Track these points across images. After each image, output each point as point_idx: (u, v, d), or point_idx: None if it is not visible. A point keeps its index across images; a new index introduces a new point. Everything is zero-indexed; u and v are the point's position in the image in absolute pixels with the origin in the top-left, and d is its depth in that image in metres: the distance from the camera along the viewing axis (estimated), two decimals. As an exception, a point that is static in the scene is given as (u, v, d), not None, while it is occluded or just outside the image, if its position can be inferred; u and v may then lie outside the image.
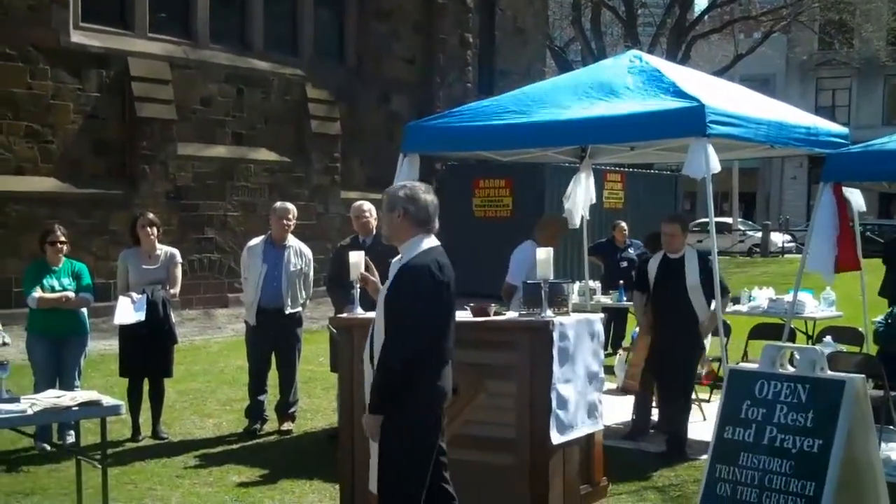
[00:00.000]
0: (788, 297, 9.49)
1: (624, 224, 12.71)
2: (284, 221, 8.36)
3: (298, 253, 8.42)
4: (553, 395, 5.44)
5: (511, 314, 5.94)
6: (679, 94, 7.46)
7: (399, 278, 4.51)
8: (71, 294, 7.64)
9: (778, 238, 33.77)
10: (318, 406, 9.33)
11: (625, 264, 11.89)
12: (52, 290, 7.61)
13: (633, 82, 7.91)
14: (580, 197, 9.51)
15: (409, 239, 4.61)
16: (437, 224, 4.70)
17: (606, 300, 11.26)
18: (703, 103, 7.15)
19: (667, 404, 7.97)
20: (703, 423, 8.37)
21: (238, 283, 9.31)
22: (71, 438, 7.38)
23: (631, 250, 12.29)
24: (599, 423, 5.98)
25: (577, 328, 5.73)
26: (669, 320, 7.70)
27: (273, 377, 8.53)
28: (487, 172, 19.84)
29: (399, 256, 4.63)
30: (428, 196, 4.70)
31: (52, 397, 5.64)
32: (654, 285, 7.90)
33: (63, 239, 7.78)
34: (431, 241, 4.64)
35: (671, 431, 7.70)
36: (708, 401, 9.06)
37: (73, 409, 5.46)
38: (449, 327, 4.57)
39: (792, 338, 8.63)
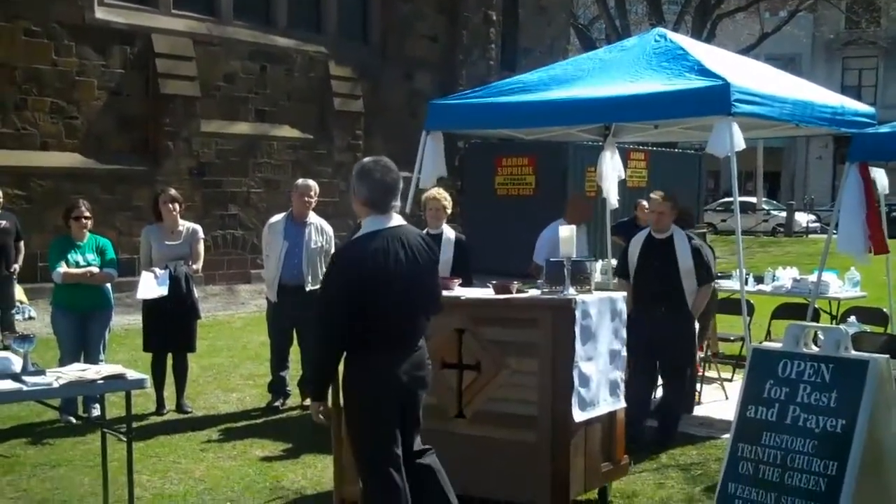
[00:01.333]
0: (812, 278, 9.46)
1: (645, 202, 12.59)
2: (306, 198, 8.36)
3: (319, 230, 8.43)
4: (575, 373, 5.44)
5: (533, 292, 5.94)
6: (704, 72, 7.41)
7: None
8: (95, 269, 7.70)
9: (802, 218, 33.56)
10: (339, 382, 9.35)
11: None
12: (77, 265, 7.67)
13: (658, 60, 7.87)
14: (609, 175, 9.48)
15: (365, 219, 4.55)
16: (394, 204, 4.55)
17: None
18: (728, 82, 7.11)
19: (667, 389, 7.76)
20: (725, 401, 8.37)
21: (260, 260, 9.33)
22: (96, 411, 7.45)
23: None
24: (621, 401, 5.98)
25: (600, 306, 5.73)
26: (658, 304, 7.28)
27: (295, 353, 8.58)
28: (510, 150, 19.78)
29: None
30: (384, 175, 4.55)
31: (78, 370, 5.68)
32: (637, 267, 7.48)
33: (87, 214, 7.84)
34: (384, 222, 4.51)
35: (664, 413, 7.50)
36: (730, 380, 9.05)
37: (99, 382, 5.50)
38: (379, 309, 4.42)
39: (816, 318, 8.60)
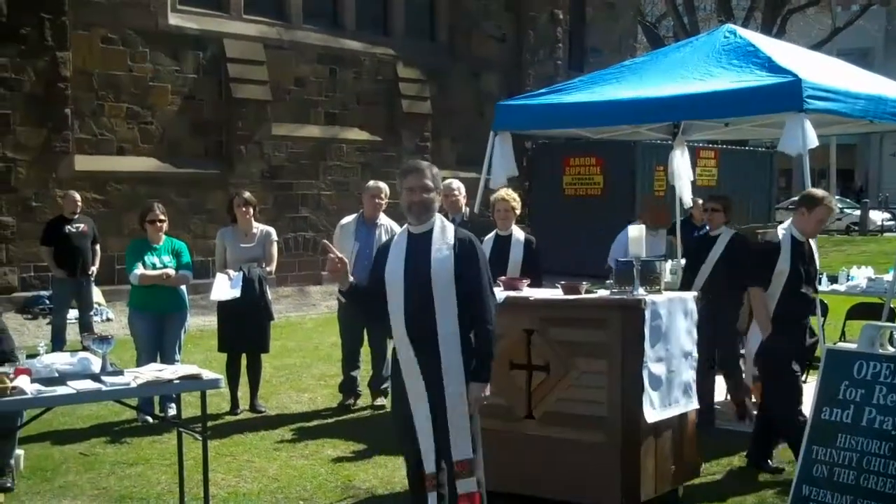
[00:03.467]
0: (888, 277, 9.27)
1: (700, 200, 12.32)
2: (377, 200, 8.43)
3: (389, 231, 8.47)
4: (645, 374, 5.42)
5: (602, 292, 5.93)
6: (775, 68, 7.31)
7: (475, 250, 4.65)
8: (171, 271, 7.86)
9: (877, 216, 32.83)
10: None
11: (662, 247, 11.52)
12: (154, 267, 7.84)
13: (728, 57, 7.78)
14: (683, 173, 9.41)
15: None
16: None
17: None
18: (800, 78, 7.00)
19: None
20: (798, 403, 8.22)
21: (331, 261, 9.42)
22: (172, 411, 7.60)
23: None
24: (693, 402, 5.94)
25: (670, 306, 5.69)
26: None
27: (366, 353, 8.66)
28: (577, 150, 19.72)
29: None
30: None
31: (155, 371, 5.81)
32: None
33: (162, 217, 8.01)
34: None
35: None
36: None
37: (175, 382, 5.61)
38: None
39: (891, 318, 8.43)
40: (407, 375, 4.61)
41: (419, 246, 4.60)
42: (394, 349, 4.72)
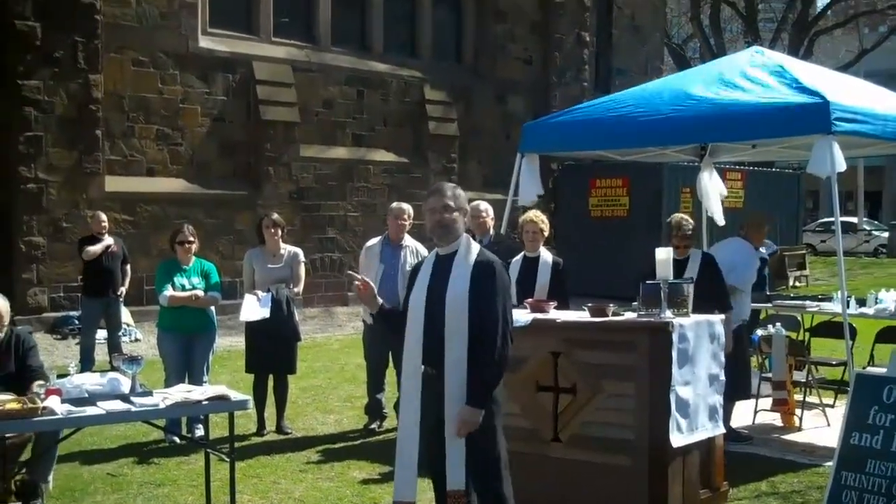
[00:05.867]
0: (918, 300, 9.19)
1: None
2: (400, 221, 8.46)
3: (415, 252, 8.51)
4: (672, 398, 5.40)
5: (629, 315, 5.92)
6: (803, 90, 7.31)
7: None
8: (200, 293, 7.92)
9: (905, 238, 32.54)
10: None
11: (757, 264, 11.48)
12: (183, 288, 7.90)
13: (755, 79, 7.77)
14: (711, 193, 9.39)
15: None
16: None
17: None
18: (828, 100, 6.99)
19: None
20: (827, 428, 8.18)
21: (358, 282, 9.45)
22: (199, 432, 7.62)
23: (763, 250, 11.94)
24: (720, 426, 5.91)
25: (697, 330, 5.68)
26: None
27: (391, 375, 8.66)
28: (604, 172, 19.71)
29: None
30: None
31: (184, 391, 5.85)
32: None
33: (191, 239, 8.07)
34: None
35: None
36: (832, 405, 8.84)
37: (204, 403, 5.65)
38: None
39: (922, 342, 8.36)
40: (407, 399, 4.58)
41: (443, 268, 4.57)
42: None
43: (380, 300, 4.78)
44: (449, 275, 4.52)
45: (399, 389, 4.82)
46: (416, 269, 4.79)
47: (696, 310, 6.18)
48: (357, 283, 4.70)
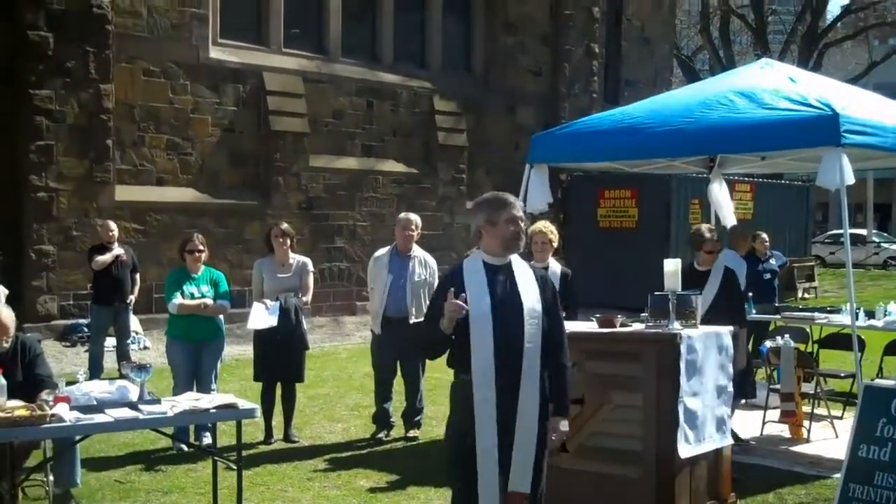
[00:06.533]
0: (927, 313, 9.16)
1: (765, 235, 12.25)
2: (407, 232, 8.48)
3: (423, 263, 8.54)
4: (680, 409, 5.40)
5: (637, 326, 5.92)
6: (812, 102, 7.30)
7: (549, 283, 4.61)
8: (209, 301, 7.94)
9: (915, 251, 32.53)
10: (443, 413, 9.33)
11: (767, 276, 11.50)
12: (192, 296, 7.92)
13: (765, 91, 7.77)
14: (724, 202, 9.41)
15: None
16: None
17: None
18: (837, 112, 6.98)
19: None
20: (835, 440, 8.16)
21: (366, 292, 9.50)
22: (207, 440, 7.65)
23: (773, 261, 11.94)
24: (728, 437, 5.90)
25: (705, 341, 5.68)
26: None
27: (399, 384, 8.68)
28: (612, 183, 19.70)
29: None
30: None
31: (192, 399, 5.87)
32: None
33: (201, 248, 8.10)
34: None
35: None
36: (841, 417, 8.82)
37: (211, 411, 5.67)
38: None
39: (931, 354, 8.34)
40: (482, 410, 4.39)
41: (497, 277, 4.47)
42: (453, 384, 4.54)
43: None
44: (510, 284, 4.47)
45: (458, 401, 4.53)
46: (452, 279, 4.53)
47: (713, 323, 6.24)
48: (459, 302, 4.38)
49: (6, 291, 9.44)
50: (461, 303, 4.30)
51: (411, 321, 8.32)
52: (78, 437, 5.82)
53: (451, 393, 4.54)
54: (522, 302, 4.42)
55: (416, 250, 8.55)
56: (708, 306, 7.02)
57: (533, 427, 4.41)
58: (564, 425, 4.55)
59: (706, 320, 6.39)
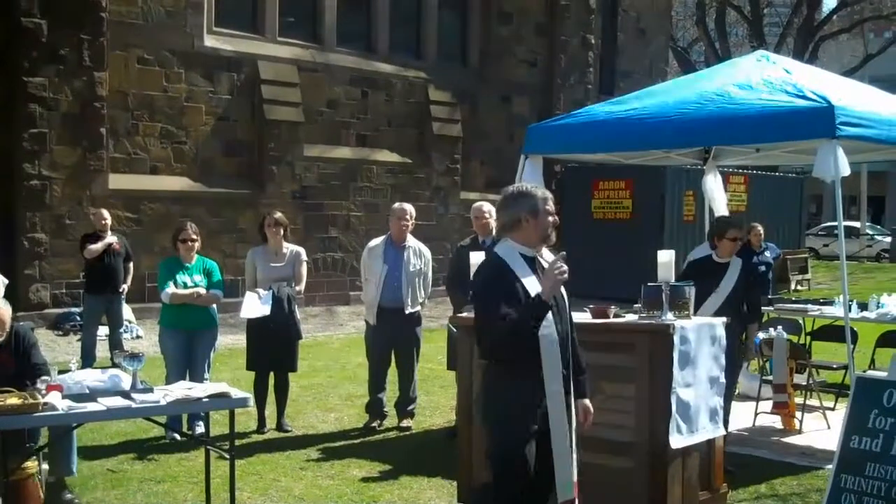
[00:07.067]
0: (920, 305, 9.18)
1: (760, 227, 12.23)
2: (402, 222, 8.47)
3: (418, 253, 8.53)
4: (673, 399, 5.40)
5: (631, 317, 5.91)
6: (807, 94, 7.29)
7: None
8: (202, 290, 7.92)
9: (908, 243, 32.60)
10: (436, 403, 9.45)
11: (762, 268, 11.49)
12: (185, 286, 7.90)
13: (760, 83, 7.76)
14: (718, 196, 9.40)
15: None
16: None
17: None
18: (833, 104, 6.98)
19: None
20: (827, 431, 8.19)
21: (359, 282, 9.48)
22: (200, 429, 7.63)
23: (768, 253, 11.94)
24: (720, 428, 5.91)
25: (699, 332, 5.68)
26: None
27: (392, 374, 8.68)
28: (607, 174, 19.71)
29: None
30: None
31: (185, 389, 5.86)
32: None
33: (194, 237, 8.08)
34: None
35: None
36: (833, 409, 8.84)
37: (204, 400, 5.66)
38: None
39: (923, 346, 8.36)
40: (554, 402, 4.36)
41: (537, 270, 4.45)
42: (504, 393, 4.37)
43: None
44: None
45: (511, 394, 4.39)
46: (502, 268, 4.41)
47: (725, 315, 6.33)
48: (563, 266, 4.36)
49: (6, 281, 9.40)
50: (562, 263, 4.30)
51: (407, 311, 8.33)
52: (74, 425, 5.81)
53: (503, 409, 4.34)
54: (563, 294, 4.47)
55: (411, 240, 8.54)
56: (724, 300, 6.98)
57: (561, 418, 4.38)
58: (590, 405, 4.60)
59: (722, 314, 6.43)
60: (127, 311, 12.41)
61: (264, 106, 16.35)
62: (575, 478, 4.44)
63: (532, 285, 4.34)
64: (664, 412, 5.40)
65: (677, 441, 5.43)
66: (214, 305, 8.14)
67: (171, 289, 7.85)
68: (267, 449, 7.75)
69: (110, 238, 11.12)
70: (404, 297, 8.37)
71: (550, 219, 4.47)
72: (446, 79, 19.42)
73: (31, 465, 5.66)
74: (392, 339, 8.45)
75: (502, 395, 4.37)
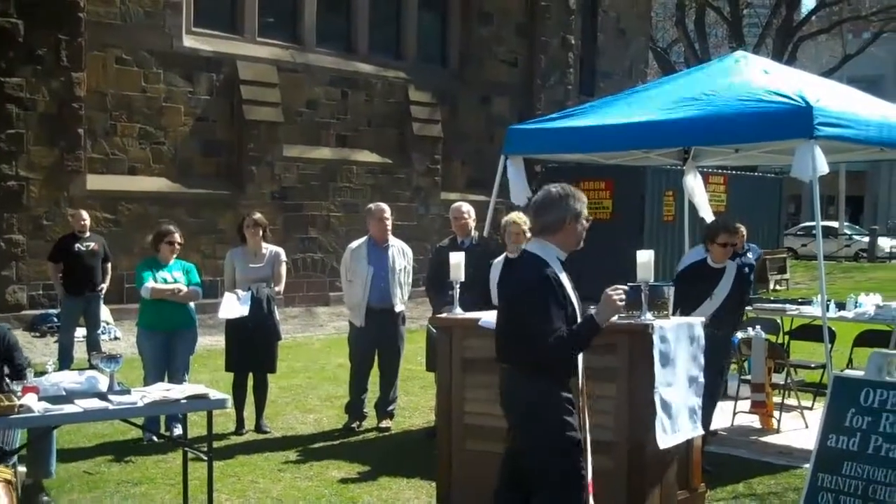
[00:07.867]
0: (897, 304, 9.23)
1: (743, 228, 12.17)
2: (383, 221, 8.43)
3: (401, 252, 8.50)
4: (657, 399, 5.40)
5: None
6: (786, 94, 7.32)
7: None
8: (183, 286, 7.88)
9: (885, 243, 32.85)
10: (416, 404, 9.43)
11: (745, 270, 11.45)
12: (165, 282, 7.86)
13: (739, 83, 7.79)
14: (699, 193, 9.42)
15: None
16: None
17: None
18: (811, 105, 7.01)
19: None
20: (805, 430, 8.22)
21: (339, 283, 9.44)
22: (178, 430, 7.57)
23: (750, 255, 11.94)
24: (699, 427, 5.92)
25: (678, 332, 5.68)
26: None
27: (373, 374, 8.65)
28: (587, 174, 19.63)
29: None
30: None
31: (162, 390, 5.83)
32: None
33: (180, 241, 8.05)
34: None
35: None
36: (811, 408, 8.88)
37: (182, 401, 5.63)
38: None
39: (900, 346, 8.41)
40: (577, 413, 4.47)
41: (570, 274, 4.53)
42: (548, 405, 4.42)
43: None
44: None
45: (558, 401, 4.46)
46: (551, 277, 4.41)
47: (723, 324, 6.57)
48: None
49: None
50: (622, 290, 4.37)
51: (396, 310, 8.35)
52: (53, 427, 5.76)
53: (549, 426, 4.35)
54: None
55: (392, 239, 8.51)
56: (718, 306, 6.98)
57: None
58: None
59: (716, 321, 6.53)
60: (105, 312, 12.34)
61: (243, 106, 16.29)
62: (590, 478, 4.50)
63: (571, 293, 4.42)
64: (644, 412, 5.40)
65: (663, 440, 5.42)
66: (193, 305, 8.09)
67: (150, 283, 7.79)
68: (245, 450, 7.71)
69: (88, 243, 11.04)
70: (392, 296, 8.34)
71: (586, 223, 4.55)
72: (426, 79, 19.41)
73: (5, 469, 5.60)
74: (377, 339, 8.41)
75: (553, 414, 4.35)
